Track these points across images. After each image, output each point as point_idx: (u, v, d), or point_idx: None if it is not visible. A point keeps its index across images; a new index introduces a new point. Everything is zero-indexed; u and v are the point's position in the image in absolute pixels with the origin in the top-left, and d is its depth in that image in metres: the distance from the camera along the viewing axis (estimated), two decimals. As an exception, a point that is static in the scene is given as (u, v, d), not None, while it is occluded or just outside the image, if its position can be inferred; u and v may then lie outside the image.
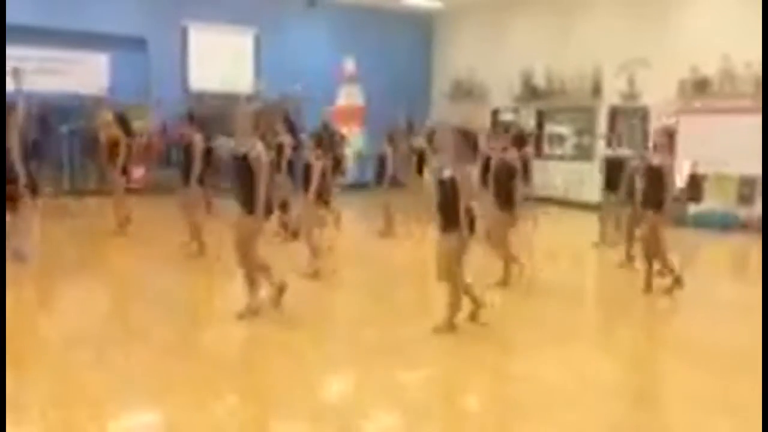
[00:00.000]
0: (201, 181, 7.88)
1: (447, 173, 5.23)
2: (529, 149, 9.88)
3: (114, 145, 9.20)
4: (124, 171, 9.35)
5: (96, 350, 4.83)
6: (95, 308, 6.23)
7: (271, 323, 5.44)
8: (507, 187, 6.86)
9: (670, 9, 12.73)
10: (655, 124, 7.58)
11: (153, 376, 4.41)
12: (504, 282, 6.89)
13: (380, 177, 10.19)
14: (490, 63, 16.24)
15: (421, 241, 8.93)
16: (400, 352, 4.97)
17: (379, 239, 9.85)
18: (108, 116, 9.65)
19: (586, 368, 4.81)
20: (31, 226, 7.66)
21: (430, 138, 11.75)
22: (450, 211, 5.18)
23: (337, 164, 11.53)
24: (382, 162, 10.19)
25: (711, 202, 11.89)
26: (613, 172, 9.00)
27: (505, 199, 6.87)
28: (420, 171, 11.62)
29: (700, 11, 12.18)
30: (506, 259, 6.95)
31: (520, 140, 7.45)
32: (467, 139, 5.26)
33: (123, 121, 9.34)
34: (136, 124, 10.86)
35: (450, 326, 5.32)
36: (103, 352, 4.81)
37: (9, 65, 7.86)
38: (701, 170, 11.87)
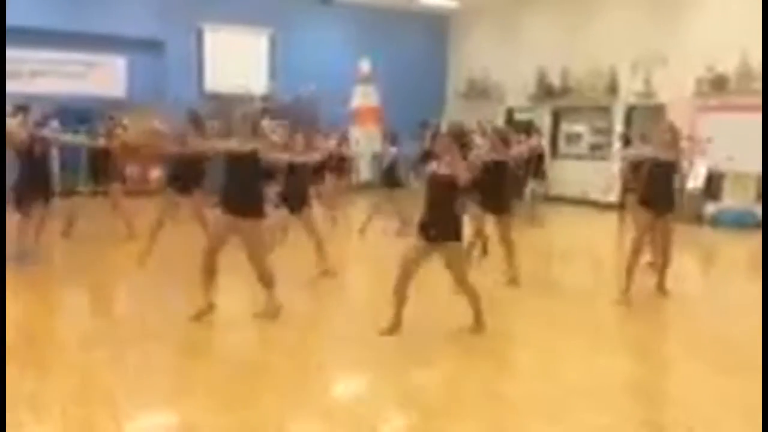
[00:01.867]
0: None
1: (431, 170, 5.06)
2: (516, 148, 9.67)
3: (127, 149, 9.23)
4: (121, 174, 9.32)
5: (113, 351, 4.89)
6: (111, 309, 6.31)
7: (286, 324, 5.47)
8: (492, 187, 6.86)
9: (685, 6, 12.64)
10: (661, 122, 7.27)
11: (170, 377, 4.47)
12: (513, 280, 6.93)
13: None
14: (505, 62, 16.21)
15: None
16: (415, 353, 4.98)
17: (388, 239, 9.85)
18: (122, 120, 9.69)
19: (604, 367, 4.80)
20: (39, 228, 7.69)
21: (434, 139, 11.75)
22: (442, 214, 5.01)
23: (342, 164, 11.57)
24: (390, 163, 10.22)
25: (729, 201, 11.79)
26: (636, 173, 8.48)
27: (492, 199, 6.87)
28: None
29: (716, 8, 12.08)
30: (509, 259, 6.97)
31: (505, 139, 7.17)
32: (456, 139, 5.02)
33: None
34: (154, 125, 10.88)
35: (481, 325, 5.28)
36: (120, 352, 4.87)
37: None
38: (719, 168, 11.78)
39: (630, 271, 6.42)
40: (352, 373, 4.79)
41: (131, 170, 9.46)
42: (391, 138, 10.40)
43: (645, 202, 6.55)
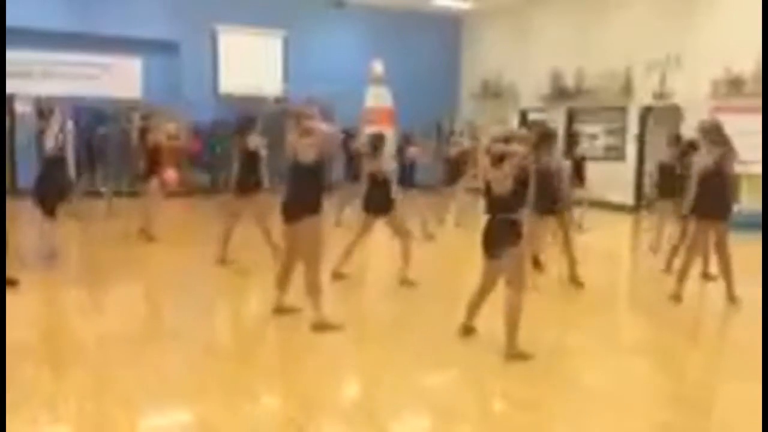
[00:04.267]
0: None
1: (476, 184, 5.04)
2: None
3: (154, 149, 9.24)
4: (149, 174, 9.33)
5: (131, 349, 4.90)
6: (130, 308, 6.32)
7: (305, 324, 5.45)
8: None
9: (700, 6, 12.53)
10: (701, 120, 7.19)
11: (188, 376, 4.47)
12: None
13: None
14: (519, 63, 16.15)
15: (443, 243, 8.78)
16: (432, 354, 4.96)
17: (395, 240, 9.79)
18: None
19: (625, 371, 4.76)
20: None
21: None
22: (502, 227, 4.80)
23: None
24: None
25: (744, 203, 11.66)
26: (666, 177, 8.45)
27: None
28: (457, 179, 11.25)
29: (732, 9, 11.95)
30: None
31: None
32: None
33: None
34: (171, 127, 10.91)
35: (521, 353, 4.80)
36: (139, 351, 4.88)
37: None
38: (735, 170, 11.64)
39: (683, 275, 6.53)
40: (371, 373, 4.77)
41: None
42: (405, 139, 10.36)
43: (694, 210, 6.45)
